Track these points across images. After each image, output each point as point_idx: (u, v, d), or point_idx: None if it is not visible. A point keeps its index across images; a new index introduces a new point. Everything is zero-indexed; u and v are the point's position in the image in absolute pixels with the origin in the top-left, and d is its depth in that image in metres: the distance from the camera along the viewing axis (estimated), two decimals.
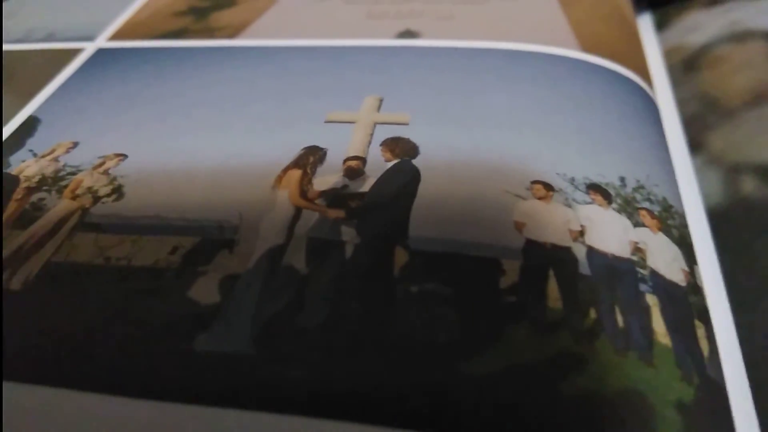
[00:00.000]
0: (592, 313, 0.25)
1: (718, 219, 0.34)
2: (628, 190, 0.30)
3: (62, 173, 0.32)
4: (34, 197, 0.31)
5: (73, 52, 0.43)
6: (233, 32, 0.43)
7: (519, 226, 0.27)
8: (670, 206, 0.31)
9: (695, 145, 0.39)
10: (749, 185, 0.36)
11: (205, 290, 0.26)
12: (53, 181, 0.32)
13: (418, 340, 0.24)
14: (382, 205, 0.29)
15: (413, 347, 0.23)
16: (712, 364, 0.26)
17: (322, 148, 0.32)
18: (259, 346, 0.24)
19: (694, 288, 0.28)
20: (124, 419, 0.22)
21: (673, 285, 0.27)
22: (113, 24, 0.46)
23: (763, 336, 0.30)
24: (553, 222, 0.28)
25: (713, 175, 0.37)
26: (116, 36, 0.45)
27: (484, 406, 0.22)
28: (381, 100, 0.35)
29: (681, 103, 0.42)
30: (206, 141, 0.34)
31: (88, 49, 0.43)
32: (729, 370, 0.27)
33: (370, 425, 0.21)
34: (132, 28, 0.45)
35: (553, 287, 0.25)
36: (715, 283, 0.30)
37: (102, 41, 0.44)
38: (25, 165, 0.33)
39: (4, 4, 0.50)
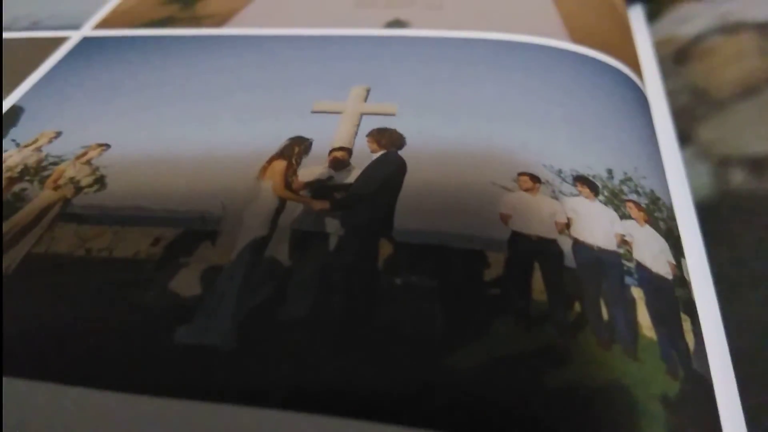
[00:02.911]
0: (577, 306, 0.24)
1: (706, 211, 0.34)
2: (616, 182, 0.30)
3: (45, 163, 0.32)
4: (16, 187, 0.31)
5: (58, 41, 0.43)
6: (220, 21, 0.43)
7: (505, 218, 0.27)
8: (658, 198, 0.31)
9: (684, 137, 0.39)
10: (738, 178, 0.36)
11: (186, 282, 0.25)
12: (35, 171, 0.31)
13: (401, 332, 0.23)
14: (367, 196, 0.29)
15: (397, 340, 0.23)
16: (698, 358, 0.26)
17: (307, 139, 0.31)
18: (240, 338, 0.23)
19: (681, 281, 0.28)
20: (103, 412, 0.22)
21: (659, 278, 0.27)
22: (99, 13, 0.46)
23: (750, 330, 0.30)
24: (539, 214, 0.28)
25: (702, 168, 0.37)
26: (102, 24, 0.44)
27: (467, 398, 0.22)
28: (368, 90, 0.35)
29: (671, 94, 0.42)
30: (191, 131, 0.33)
31: (74, 37, 0.43)
32: (715, 364, 0.26)
33: (352, 419, 0.21)
34: (118, 16, 0.45)
35: (538, 280, 0.25)
36: (703, 277, 0.30)
37: (87, 30, 0.44)
38: (7, 155, 0.33)
39: None
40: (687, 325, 0.26)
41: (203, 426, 0.21)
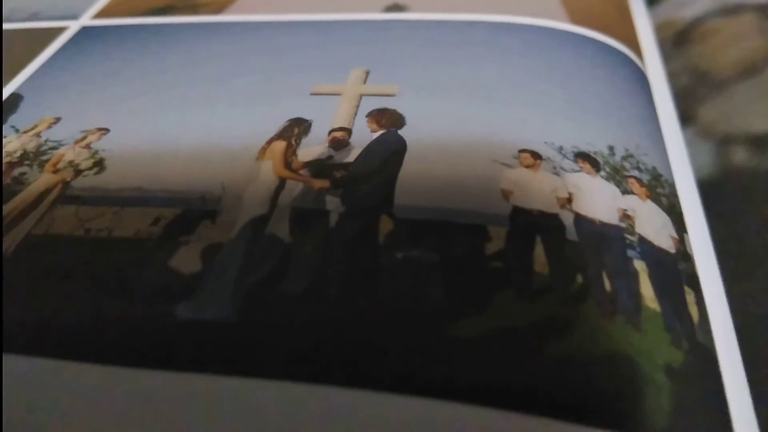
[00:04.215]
0: (579, 278, 0.24)
1: (708, 189, 0.34)
2: (617, 158, 0.30)
3: (44, 148, 0.32)
4: (16, 172, 0.31)
5: (57, 31, 0.43)
6: (218, 8, 0.43)
7: (506, 194, 0.27)
8: (660, 175, 0.30)
9: (686, 118, 0.38)
10: (740, 156, 0.36)
11: (187, 259, 0.25)
12: (35, 156, 0.31)
13: (403, 305, 0.23)
14: (367, 174, 0.29)
15: (398, 312, 0.23)
16: (702, 330, 0.25)
17: (306, 120, 0.31)
18: (241, 312, 0.23)
19: (684, 255, 0.28)
20: (106, 386, 0.22)
21: (662, 251, 0.27)
22: (98, 3, 0.46)
23: (755, 304, 0.30)
24: (540, 189, 0.27)
25: (704, 147, 0.37)
26: (101, 14, 0.44)
27: (469, 369, 0.21)
28: (367, 73, 0.35)
29: (672, 76, 0.41)
30: (190, 115, 0.33)
31: (72, 27, 0.43)
32: (720, 336, 0.26)
33: (354, 389, 0.21)
34: (116, 5, 0.45)
35: (540, 253, 0.25)
36: (706, 252, 0.30)
37: (86, 19, 0.44)
38: (7, 140, 0.33)
39: None
40: (690, 297, 0.26)
41: (205, 397, 0.21)
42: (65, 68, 0.39)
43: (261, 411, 0.21)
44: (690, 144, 0.36)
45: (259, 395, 0.21)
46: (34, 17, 0.45)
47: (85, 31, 0.42)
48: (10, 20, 0.45)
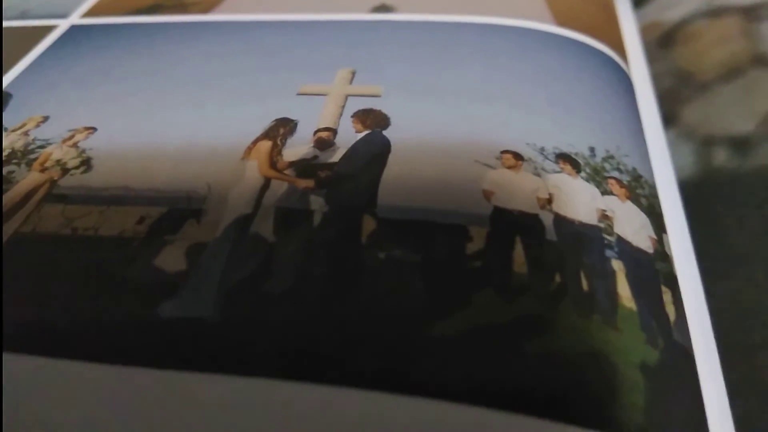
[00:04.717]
0: (557, 278, 0.25)
1: (690, 190, 0.34)
2: (598, 159, 0.30)
3: (32, 147, 0.32)
4: (3, 170, 0.31)
5: (47, 29, 0.43)
6: (206, 7, 0.43)
7: (488, 195, 0.27)
8: (640, 176, 0.31)
9: (669, 119, 0.39)
10: (721, 157, 0.36)
11: (171, 258, 0.26)
12: (23, 154, 0.32)
13: (385, 303, 0.24)
14: (351, 174, 0.29)
15: (380, 311, 0.23)
16: (678, 329, 0.26)
17: (292, 120, 0.32)
18: (226, 310, 0.24)
19: (662, 255, 0.28)
20: (91, 384, 0.22)
21: (639, 251, 0.27)
22: (87, 1, 0.46)
23: (733, 304, 0.30)
24: (521, 190, 0.28)
25: (686, 148, 0.37)
26: (90, 13, 0.44)
27: (449, 367, 0.22)
28: (353, 73, 0.35)
29: (656, 77, 0.42)
30: (177, 115, 0.33)
31: (62, 25, 0.43)
32: (698, 336, 0.27)
33: (336, 386, 0.22)
34: (106, 4, 0.45)
35: (519, 253, 0.26)
36: (686, 252, 0.30)
37: (75, 18, 0.44)
38: None
39: None
40: (668, 297, 0.27)
41: (190, 395, 0.22)
42: (54, 67, 0.39)
43: (245, 409, 0.21)
44: (672, 145, 0.37)
45: (243, 393, 0.22)
46: (23, 15, 0.45)
47: (74, 30, 0.42)
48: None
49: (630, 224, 0.28)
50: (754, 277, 0.31)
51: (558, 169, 0.29)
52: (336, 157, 0.30)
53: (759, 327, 0.29)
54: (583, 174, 0.29)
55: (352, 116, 0.32)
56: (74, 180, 0.30)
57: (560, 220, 0.27)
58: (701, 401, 0.24)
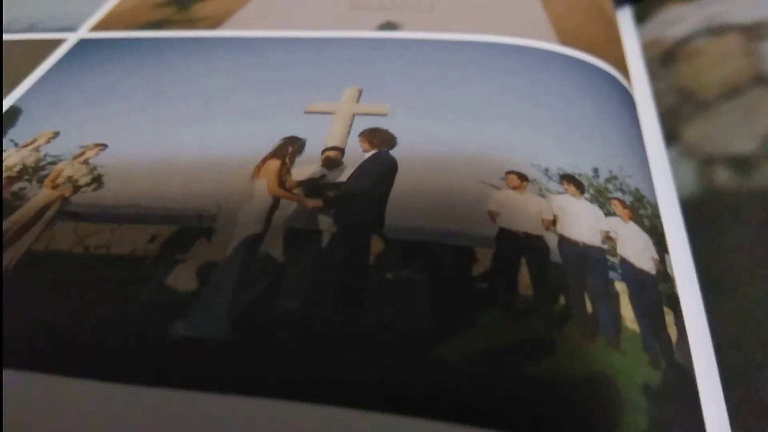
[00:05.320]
0: (562, 300, 0.25)
1: (691, 209, 0.34)
2: (601, 180, 0.31)
3: (43, 163, 0.33)
4: (15, 186, 0.31)
5: (55, 43, 0.43)
6: (215, 23, 0.43)
7: (493, 216, 0.28)
8: (642, 196, 0.31)
9: (671, 137, 0.39)
10: (722, 176, 0.37)
11: (183, 278, 0.26)
12: (34, 171, 0.32)
13: (392, 325, 0.24)
14: (359, 194, 0.29)
15: (387, 332, 0.24)
16: (680, 350, 0.26)
17: (300, 139, 0.32)
18: (236, 331, 0.24)
19: (664, 276, 0.29)
20: (102, 403, 0.23)
21: (642, 273, 0.28)
22: (96, 15, 0.46)
23: (734, 324, 0.30)
24: (526, 211, 0.28)
25: (687, 166, 0.37)
26: (98, 27, 0.45)
27: (455, 388, 0.22)
28: (360, 91, 0.35)
29: (658, 95, 0.42)
30: (187, 131, 0.34)
31: (70, 39, 0.43)
32: (698, 356, 0.27)
33: (345, 408, 0.22)
34: (114, 18, 0.45)
35: (524, 274, 0.26)
36: (687, 272, 0.31)
37: (84, 32, 0.44)
38: (6, 155, 0.33)
39: None
40: (670, 318, 0.27)
41: (200, 415, 0.22)
42: (64, 81, 0.39)
43: (254, 429, 0.22)
44: (674, 163, 0.37)
45: (252, 413, 0.22)
46: (32, 28, 0.46)
47: (83, 44, 0.43)
48: (8, 31, 0.45)
49: (633, 245, 0.28)
50: (755, 296, 0.31)
51: (562, 190, 0.30)
52: (344, 177, 0.30)
53: (759, 347, 0.29)
54: (587, 195, 0.30)
55: (359, 135, 0.32)
56: (85, 197, 0.30)
57: (565, 242, 0.27)
58: (702, 422, 0.25)
